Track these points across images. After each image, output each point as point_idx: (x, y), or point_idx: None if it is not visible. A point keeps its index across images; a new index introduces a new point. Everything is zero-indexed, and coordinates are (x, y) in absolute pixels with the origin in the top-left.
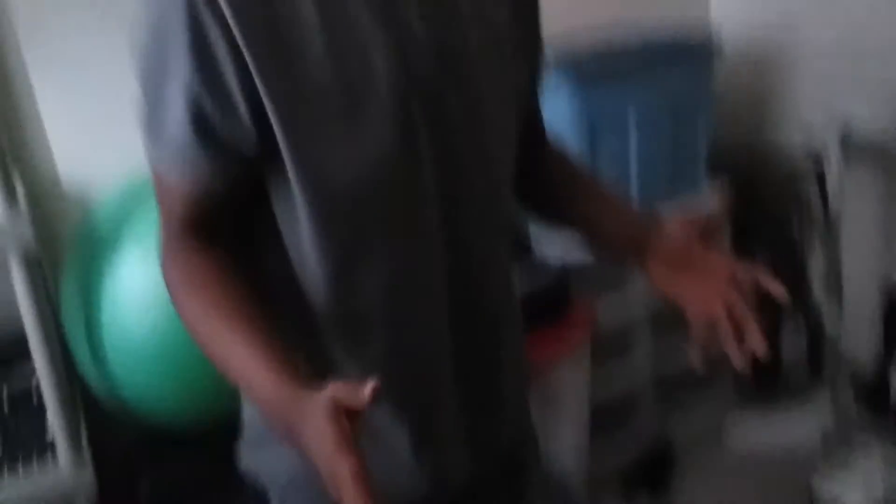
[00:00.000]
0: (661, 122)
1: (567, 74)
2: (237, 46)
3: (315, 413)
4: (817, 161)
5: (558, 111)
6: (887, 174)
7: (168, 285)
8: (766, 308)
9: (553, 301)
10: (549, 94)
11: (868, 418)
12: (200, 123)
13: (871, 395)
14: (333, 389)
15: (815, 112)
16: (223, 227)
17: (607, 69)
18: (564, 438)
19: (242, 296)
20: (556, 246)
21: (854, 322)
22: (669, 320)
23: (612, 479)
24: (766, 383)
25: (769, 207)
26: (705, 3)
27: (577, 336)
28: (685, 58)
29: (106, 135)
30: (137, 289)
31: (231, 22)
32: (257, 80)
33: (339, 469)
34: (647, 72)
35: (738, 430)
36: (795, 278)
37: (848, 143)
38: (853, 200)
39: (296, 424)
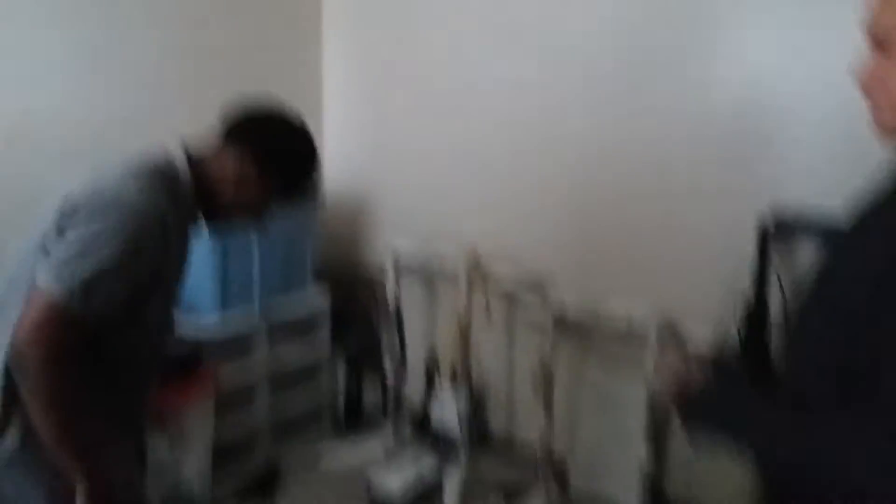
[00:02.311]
0: (277, 240)
1: None
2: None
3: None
4: (383, 273)
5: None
6: (424, 282)
7: (47, 360)
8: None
9: (186, 364)
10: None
11: (416, 438)
12: (133, 291)
13: (419, 423)
14: None
15: (380, 243)
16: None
17: None
18: (192, 466)
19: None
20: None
21: (410, 378)
22: (285, 381)
23: (231, 497)
24: (353, 422)
25: (359, 304)
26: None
27: (203, 390)
28: None
29: None
30: None
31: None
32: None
33: None
34: None
35: (331, 455)
36: (375, 351)
37: (398, 263)
38: (408, 299)
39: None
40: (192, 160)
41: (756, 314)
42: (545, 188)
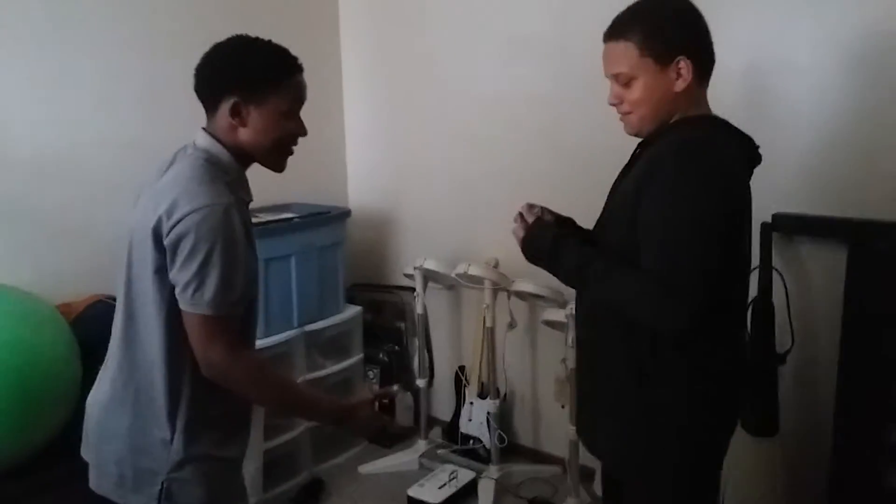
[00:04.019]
0: (311, 263)
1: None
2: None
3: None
4: (412, 290)
5: None
6: (450, 295)
7: (242, 375)
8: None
9: None
10: None
11: (447, 446)
12: (245, 273)
13: (449, 433)
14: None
15: (409, 260)
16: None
17: (277, 227)
18: (246, 474)
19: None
20: None
21: (438, 390)
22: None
23: (282, 500)
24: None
25: (388, 320)
26: (344, 189)
27: None
28: (327, 222)
29: None
30: None
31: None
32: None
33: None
34: (303, 229)
35: (368, 464)
36: (404, 366)
37: (425, 279)
38: (434, 311)
39: (350, 412)
40: (220, 140)
41: (762, 309)
42: (564, 201)
